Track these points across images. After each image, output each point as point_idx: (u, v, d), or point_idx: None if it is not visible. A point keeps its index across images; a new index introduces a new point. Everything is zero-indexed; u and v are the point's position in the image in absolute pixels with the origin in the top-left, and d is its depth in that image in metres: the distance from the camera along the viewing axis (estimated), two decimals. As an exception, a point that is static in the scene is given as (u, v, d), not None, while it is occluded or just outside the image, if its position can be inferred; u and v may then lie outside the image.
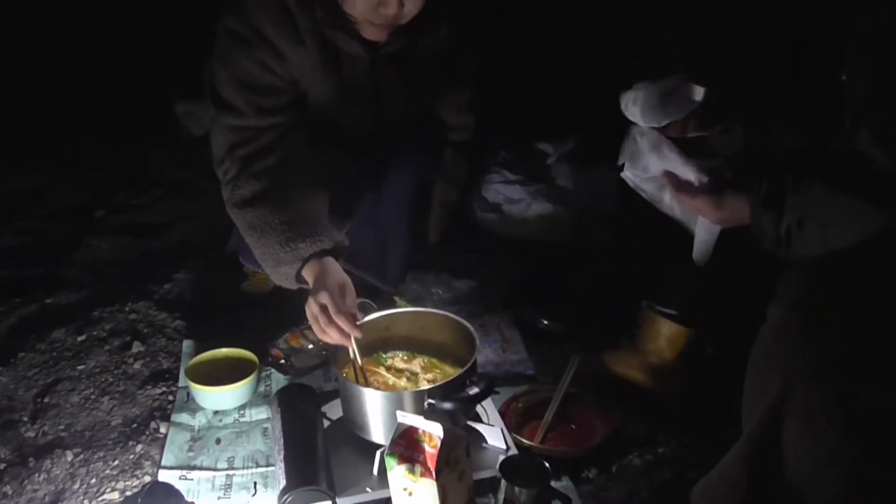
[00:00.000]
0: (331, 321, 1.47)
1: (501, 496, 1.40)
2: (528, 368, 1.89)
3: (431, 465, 1.19)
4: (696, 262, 1.46)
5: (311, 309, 1.50)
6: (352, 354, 1.53)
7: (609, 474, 1.57)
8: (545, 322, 2.04)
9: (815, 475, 1.04)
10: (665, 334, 1.77)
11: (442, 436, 1.20)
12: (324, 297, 1.47)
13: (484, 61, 2.01)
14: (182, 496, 1.23)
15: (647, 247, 1.90)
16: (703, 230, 1.44)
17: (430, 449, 1.20)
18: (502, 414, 1.66)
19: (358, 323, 1.50)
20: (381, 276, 2.01)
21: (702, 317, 1.76)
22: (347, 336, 1.48)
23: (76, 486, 1.54)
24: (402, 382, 1.58)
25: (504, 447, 1.52)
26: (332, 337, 1.49)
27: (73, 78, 3.93)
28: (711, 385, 1.67)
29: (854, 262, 1.06)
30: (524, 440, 1.60)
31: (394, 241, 2.02)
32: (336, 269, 1.56)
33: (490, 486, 1.46)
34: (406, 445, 1.23)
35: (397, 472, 1.23)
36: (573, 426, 1.69)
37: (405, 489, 1.23)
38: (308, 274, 1.58)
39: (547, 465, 1.40)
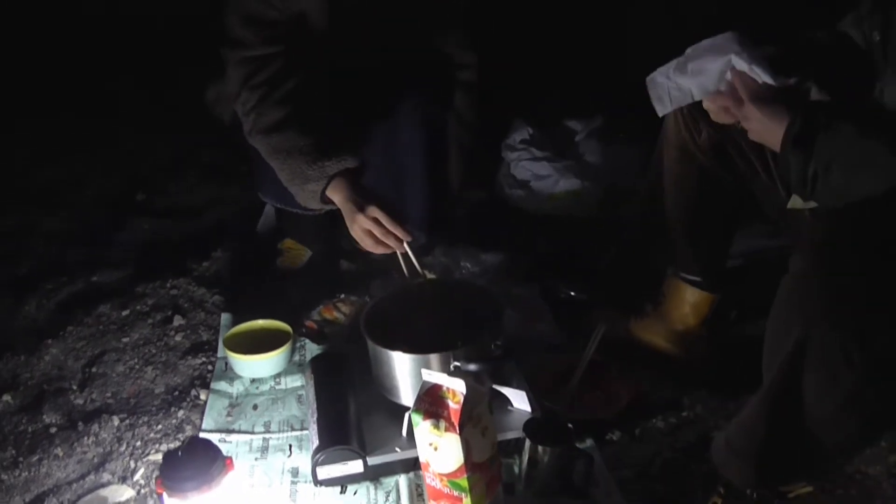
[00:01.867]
0: (387, 232, 1.57)
1: (526, 456, 1.44)
2: (555, 337, 1.92)
3: (455, 419, 1.24)
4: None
5: (363, 224, 1.61)
6: (409, 258, 1.62)
7: (632, 436, 1.60)
8: (571, 293, 2.07)
9: (834, 419, 1.06)
10: (689, 301, 1.79)
11: (465, 392, 1.24)
12: (375, 211, 1.59)
13: (517, 41, 2.02)
14: (220, 451, 1.29)
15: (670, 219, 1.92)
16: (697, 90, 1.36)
17: (454, 405, 1.25)
18: (530, 380, 1.70)
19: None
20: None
21: (725, 283, 1.78)
22: (401, 242, 1.59)
23: (122, 448, 1.62)
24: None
25: (529, 410, 1.57)
26: (389, 245, 1.60)
27: (104, 66, 4.02)
28: (735, 351, 1.70)
29: (873, 211, 1.08)
30: (550, 405, 1.64)
31: (412, 183, 1.99)
32: (364, 188, 1.66)
33: (515, 446, 1.50)
34: (431, 402, 1.28)
35: (423, 428, 1.28)
36: (599, 392, 1.72)
37: (431, 444, 1.28)
38: (333, 192, 1.68)
39: (570, 425, 1.45)
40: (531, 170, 2.57)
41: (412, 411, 1.29)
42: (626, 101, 2.66)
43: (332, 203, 1.72)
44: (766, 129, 1.23)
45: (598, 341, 1.74)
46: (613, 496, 1.43)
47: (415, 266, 1.64)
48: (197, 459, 1.25)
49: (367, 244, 1.64)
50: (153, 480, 1.52)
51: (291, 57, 1.75)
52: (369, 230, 1.62)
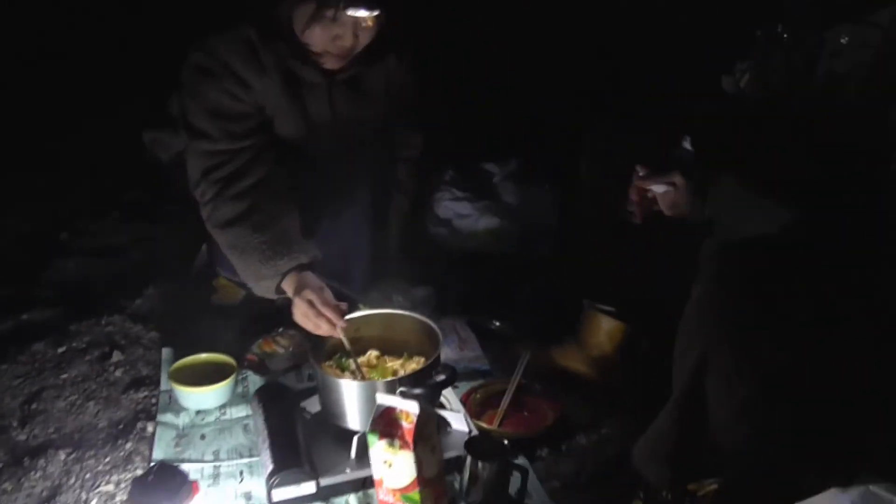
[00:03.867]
0: (320, 314, 1.65)
1: (467, 473, 1.58)
2: (483, 364, 2.08)
3: (409, 438, 1.37)
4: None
5: (300, 308, 1.68)
6: (344, 342, 1.69)
7: (559, 452, 1.77)
8: (496, 323, 2.24)
9: (730, 426, 1.26)
10: (605, 329, 1.98)
11: (418, 412, 1.37)
12: (309, 294, 1.67)
13: (432, 86, 2.21)
14: (186, 475, 1.37)
15: (585, 254, 2.12)
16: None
17: (407, 424, 1.38)
18: (463, 404, 1.85)
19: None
20: (346, 282, 2.16)
21: (637, 313, 1.98)
22: (334, 326, 1.66)
23: (72, 481, 1.65)
24: (375, 375, 1.75)
25: (467, 430, 1.70)
26: (323, 328, 1.67)
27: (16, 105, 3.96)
28: (647, 374, 1.89)
29: (761, 246, 1.29)
30: (484, 425, 1.79)
31: (357, 250, 2.17)
32: (313, 277, 1.76)
33: (456, 464, 1.63)
34: (385, 423, 1.40)
35: (378, 447, 1.40)
36: (526, 413, 1.88)
37: (385, 461, 1.40)
38: (287, 285, 1.76)
39: (506, 442, 1.60)
40: (453, 209, 2.75)
41: (368, 432, 1.41)
42: (538, 146, 2.91)
43: (286, 294, 1.79)
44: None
45: (523, 367, 1.90)
46: (545, 505, 1.59)
47: (348, 349, 1.72)
48: (166, 483, 1.33)
49: (308, 326, 1.72)
50: (108, 510, 1.57)
51: (252, 151, 1.82)
52: (305, 314, 1.70)
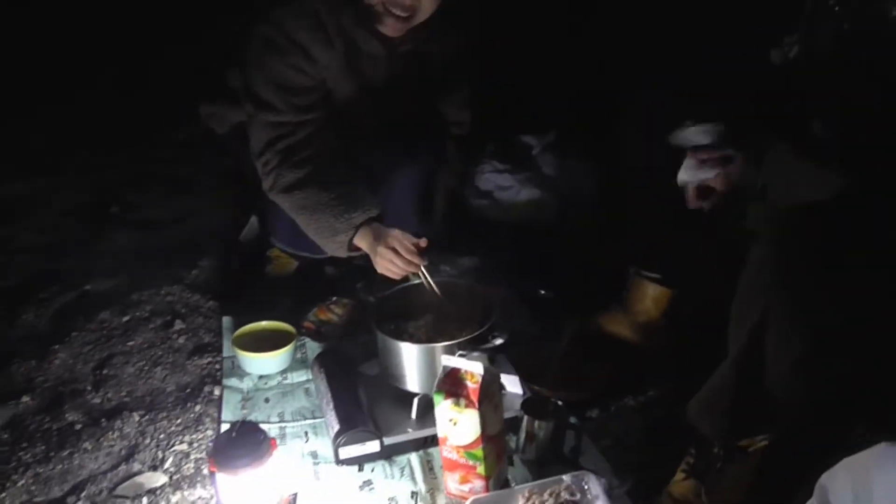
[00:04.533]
0: (404, 257, 1.76)
1: (523, 433, 1.66)
2: (533, 331, 2.14)
3: (474, 397, 1.44)
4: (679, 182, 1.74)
5: (385, 255, 1.78)
6: (425, 278, 1.82)
7: (608, 413, 1.84)
8: (543, 292, 2.30)
9: (785, 380, 1.32)
10: (651, 295, 2.04)
11: (483, 373, 1.45)
12: (393, 241, 1.78)
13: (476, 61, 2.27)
14: (266, 433, 1.45)
15: (629, 221, 2.18)
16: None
17: (472, 384, 1.45)
18: (516, 368, 1.91)
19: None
20: None
21: (682, 279, 2.03)
22: (417, 266, 1.78)
23: (147, 441, 1.75)
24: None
25: (521, 392, 1.78)
26: (408, 268, 1.79)
27: (54, 80, 4.05)
28: (692, 338, 1.95)
29: (817, 209, 1.34)
30: (536, 388, 1.86)
31: (405, 220, 2.21)
32: (384, 228, 1.84)
33: (511, 425, 1.70)
34: (451, 383, 1.47)
35: (444, 406, 1.48)
36: (575, 377, 1.95)
37: (451, 420, 1.48)
38: (360, 240, 1.85)
39: (560, 403, 1.67)
40: (494, 181, 2.80)
41: (434, 392, 1.48)
42: (576, 118, 2.94)
43: (359, 250, 1.88)
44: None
45: (571, 334, 1.97)
46: (598, 463, 1.66)
47: (431, 285, 1.83)
48: (247, 441, 1.41)
49: (393, 274, 1.82)
50: (183, 467, 1.67)
51: (315, 125, 1.89)
52: (391, 260, 1.79)
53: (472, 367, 1.46)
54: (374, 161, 2.11)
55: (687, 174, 1.68)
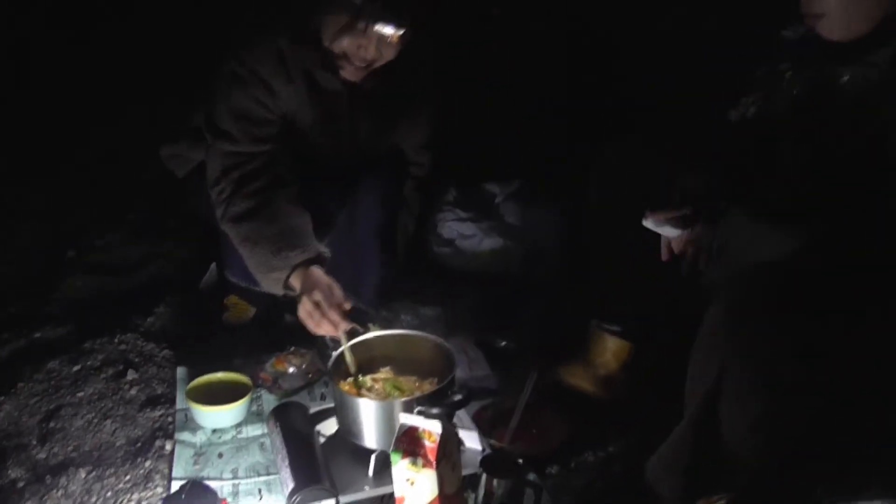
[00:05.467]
0: (324, 315, 1.73)
1: (482, 491, 1.63)
2: (492, 383, 2.13)
3: (432, 457, 1.41)
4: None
5: (305, 307, 1.76)
6: (344, 343, 1.77)
7: (569, 469, 1.82)
8: (503, 343, 2.29)
9: (745, 440, 1.31)
10: (611, 349, 2.04)
11: (441, 432, 1.42)
12: (317, 295, 1.75)
13: (441, 107, 2.28)
14: (216, 494, 1.41)
15: (591, 274, 2.18)
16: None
17: (430, 443, 1.43)
18: (474, 422, 1.89)
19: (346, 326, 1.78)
20: (357, 294, 2.20)
21: (642, 333, 2.04)
22: (336, 327, 1.75)
23: (93, 500, 1.69)
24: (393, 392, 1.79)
25: (480, 448, 1.75)
26: (325, 329, 1.75)
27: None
28: (652, 392, 1.95)
29: (774, 270, 1.36)
30: (494, 443, 1.84)
31: (368, 262, 2.19)
32: (322, 274, 1.83)
33: (470, 482, 1.67)
34: (408, 442, 1.44)
35: (401, 466, 1.44)
36: (535, 431, 1.93)
37: (408, 479, 1.45)
38: (296, 280, 1.84)
39: (520, 460, 1.65)
40: (457, 229, 2.80)
41: (391, 451, 1.45)
42: (540, 166, 2.97)
43: (294, 290, 1.86)
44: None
45: (532, 386, 1.95)
46: (558, 522, 1.64)
47: (345, 352, 1.79)
48: (197, 501, 1.36)
49: (310, 325, 1.80)
50: (130, 529, 1.61)
51: (270, 155, 1.92)
52: (309, 313, 1.78)
53: (431, 426, 1.43)
54: (331, 199, 2.10)
55: (650, 222, 1.69)
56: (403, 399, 1.66)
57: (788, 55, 1.47)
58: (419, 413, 1.59)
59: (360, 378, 1.82)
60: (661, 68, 1.96)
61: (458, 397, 1.65)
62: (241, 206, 1.88)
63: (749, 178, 1.47)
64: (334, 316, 1.76)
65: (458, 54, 2.95)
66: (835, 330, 1.28)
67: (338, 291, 1.81)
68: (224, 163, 1.91)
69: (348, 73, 1.90)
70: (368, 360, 1.87)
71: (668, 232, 1.66)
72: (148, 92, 3.74)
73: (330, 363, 1.79)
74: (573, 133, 2.70)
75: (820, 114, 1.38)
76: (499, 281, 2.65)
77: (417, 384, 1.82)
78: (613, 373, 2.05)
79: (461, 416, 1.86)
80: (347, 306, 1.80)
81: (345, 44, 1.81)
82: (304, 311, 1.79)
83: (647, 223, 1.68)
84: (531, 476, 1.74)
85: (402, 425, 1.46)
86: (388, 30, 1.76)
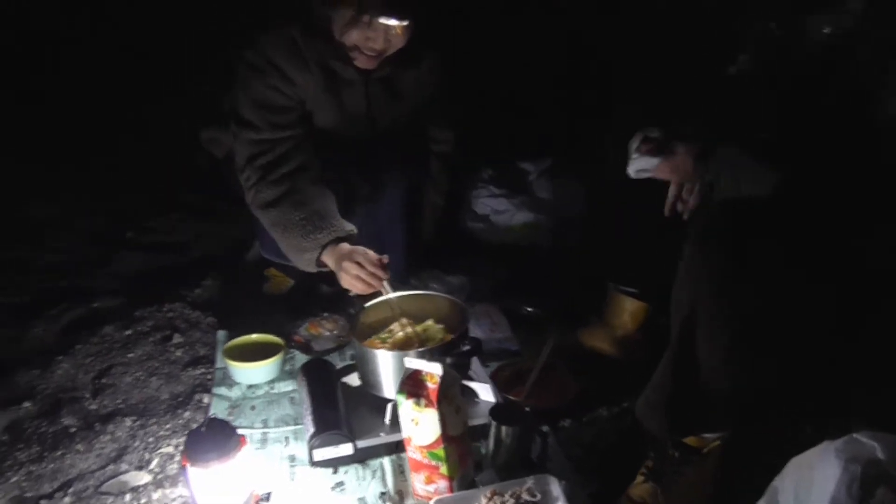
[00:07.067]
0: (370, 273, 1.85)
1: (492, 439, 1.71)
2: (513, 345, 2.20)
3: (433, 397, 1.50)
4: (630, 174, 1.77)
5: (350, 271, 1.87)
6: (388, 290, 1.90)
7: (581, 422, 1.88)
8: (528, 309, 2.36)
9: (717, 373, 1.36)
10: (628, 310, 2.09)
11: (441, 373, 1.51)
12: (357, 256, 1.88)
13: (473, 91, 2.37)
14: (235, 429, 1.52)
15: (609, 239, 2.24)
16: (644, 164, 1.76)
17: (432, 385, 1.51)
18: (494, 379, 1.97)
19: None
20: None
21: (658, 294, 2.07)
22: (381, 280, 1.87)
23: (136, 444, 1.84)
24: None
25: (493, 400, 1.83)
26: (375, 283, 1.87)
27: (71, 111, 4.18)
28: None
29: (742, 203, 1.40)
30: (511, 398, 1.91)
31: (392, 239, 2.32)
32: (350, 245, 1.94)
33: (482, 432, 1.75)
34: (412, 384, 1.54)
35: (406, 407, 1.54)
36: (552, 389, 1.99)
37: (412, 420, 1.54)
38: (327, 257, 1.94)
39: (528, 409, 1.72)
40: (490, 205, 2.88)
41: (397, 392, 1.55)
42: (571, 144, 3.02)
43: (327, 267, 1.97)
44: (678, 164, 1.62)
45: (550, 348, 2.02)
46: (564, 469, 1.70)
47: (393, 298, 1.92)
48: (217, 436, 1.48)
49: (357, 288, 1.90)
50: (167, 468, 1.75)
51: (293, 141, 2.01)
52: (357, 275, 1.88)
53: (432, 369, 1.52)
54: (357, 180, 2.20)
55: (631, 166, 1.74)
56: (417, 350, 1.75)
57: (771, 14, 1.51)
58: (420, 356, 1.68)
59: (382, 335, 1.92)
60: (659, 36, 2.01)
61: (467, 348, 1.74)
62: (268, 194, 1.98)
63: (738, 122, 1.51)
64: (378, 271, 1.87)
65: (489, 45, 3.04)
66: (796, 259, 1.31)
67: (370, 251, 1.92)
68: (249, 151, 2.01)
69: (361, 63, 1.98)
70: (393, 318, 1.97)
71: (647, 163, 1.69)
72: (200, 76, 3.90)
73: (352, 322, 1.90)
74: (590, 111, 2.74)
75: (800, 62, 1.42)
76: (529, 252, 2.72)
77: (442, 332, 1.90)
78: (631, 334, 2.09)
79: (477, 369, 1.94)
80: (386, 259, 1.91)
81: (354, 36, 1.89)
82: (350, 275, 1.89)
83: (629, 170, 1.72)
84: (544, 427, 1.81)
85: (407, 369, 1.56)
86: (392, 22, 1.85)
